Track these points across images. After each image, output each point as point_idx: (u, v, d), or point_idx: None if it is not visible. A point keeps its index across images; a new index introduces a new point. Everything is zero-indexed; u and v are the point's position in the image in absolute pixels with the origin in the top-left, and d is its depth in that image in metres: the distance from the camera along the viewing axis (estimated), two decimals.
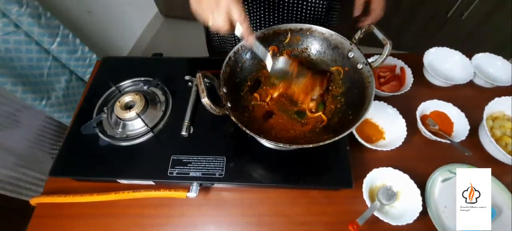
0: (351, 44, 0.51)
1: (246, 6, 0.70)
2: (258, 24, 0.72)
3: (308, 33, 0.55)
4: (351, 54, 0.52)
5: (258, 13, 0.70)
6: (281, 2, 0.68)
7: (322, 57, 0.57)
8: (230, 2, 0.39)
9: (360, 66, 0.50)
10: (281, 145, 0.44)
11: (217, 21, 0.40)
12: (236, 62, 0.54)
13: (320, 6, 0.70)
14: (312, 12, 0.70)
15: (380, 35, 0.47)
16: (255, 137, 0.43)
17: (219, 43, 0.84)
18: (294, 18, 0.71)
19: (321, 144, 0.42)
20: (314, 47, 0.57)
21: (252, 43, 0.46)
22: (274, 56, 0.55)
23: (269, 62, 0.52)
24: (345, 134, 0.42)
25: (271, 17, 0.71)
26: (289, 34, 0.56)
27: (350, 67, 0.53)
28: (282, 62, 0.56)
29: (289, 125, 0.53)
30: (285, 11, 0.70)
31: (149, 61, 0.76)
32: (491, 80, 0.67)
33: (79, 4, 1.34)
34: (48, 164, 0.84)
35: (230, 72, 0.52)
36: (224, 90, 0.49)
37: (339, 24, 0.81)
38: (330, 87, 0.56)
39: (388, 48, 0.46)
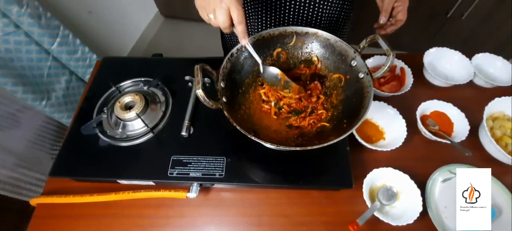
0: (355, 52, 0.51)
1: (253, 7, 0.69)
2: (263, 25, 0.71)
3: (313, 37, 0.55)
4: (354, 63, 0.51)
5: (265, 15, 0.69)
6: (293, 7, 0.66)
7: (326, 62, 0.57)
8: (231, 1, 0.41)
9: (361, 75, 0.50)
10: (281, 147, 0.44)
11: (218, 18, 0.42)
12: (238, 59, 0.54)
13: (332, 12, 0.68)
14: (324, 18, 0.68)
15: (384, 45, 0.47)
16: (246, 134, 0.43)
17: (230, 42, 0.84)
18: (305, 24, 0.69)
19: (315, 147, 0.42)
20: (318, 52, 0.57)
21: (244, 45, 0.48)
22: (265, 64, 0.54)
23: (261, 67, 0.52)
24: (334, 141, 0.42)
25: (279, 19, 0.69)
26: (295, 37, 0.56)
27: (351, 75, 0.52)
28: (272, 71, 0.54)
29: (282, 128, 0.53)
30: (296, 16, 0.68)
31: (149, 61, 0.76)
32: (491, 80, 0.67)
33: (79, 4, 1.34)
34: (48, 164, 0.84)
35: (231, 68, 0.52)
36: (222, 85, 0.49)
37: (351, 31, 0.79)
38: (331, 93, 0.56)
39: (391, 59, 0.46)
